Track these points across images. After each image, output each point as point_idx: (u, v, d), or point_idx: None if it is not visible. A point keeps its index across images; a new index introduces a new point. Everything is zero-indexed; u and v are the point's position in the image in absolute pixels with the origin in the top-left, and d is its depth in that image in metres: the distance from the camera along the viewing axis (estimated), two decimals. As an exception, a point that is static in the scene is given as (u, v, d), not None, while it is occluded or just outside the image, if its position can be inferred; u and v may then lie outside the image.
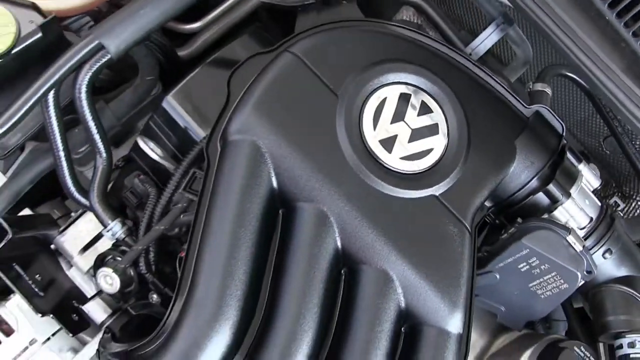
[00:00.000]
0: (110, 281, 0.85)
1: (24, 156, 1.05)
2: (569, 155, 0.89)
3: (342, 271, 0.78)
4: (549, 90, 0.96)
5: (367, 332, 0.76)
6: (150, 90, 1.03)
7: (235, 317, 0.73)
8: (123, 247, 0.85)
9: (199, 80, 0.92)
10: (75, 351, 0.97)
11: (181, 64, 1.06)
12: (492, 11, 0.99)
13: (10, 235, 0.89)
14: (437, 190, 0.78)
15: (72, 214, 1.03)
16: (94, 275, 0.87)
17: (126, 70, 1.06)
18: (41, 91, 0.83)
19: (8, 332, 0.96)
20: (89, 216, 0.98)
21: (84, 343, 0.98)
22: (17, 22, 0.81)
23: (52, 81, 0.83)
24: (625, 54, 0.80)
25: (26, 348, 0.95)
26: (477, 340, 0.92)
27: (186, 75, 0.92)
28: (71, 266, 0.97)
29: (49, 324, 0.98)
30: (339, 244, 0.76)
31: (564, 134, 0.88)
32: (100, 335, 0.97)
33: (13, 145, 0.94)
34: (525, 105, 0.88)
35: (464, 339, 0.78)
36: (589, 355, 0.83)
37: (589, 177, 0.89)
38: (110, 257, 0.86)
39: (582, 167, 0.90)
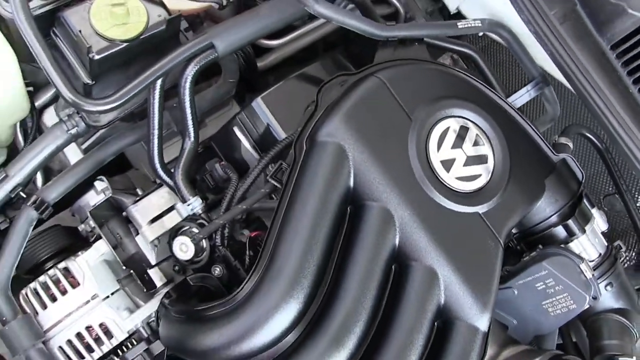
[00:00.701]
0: (185, 249, 0.99)
1: (99, 135, 1.20)
2: (584, 199, 1.08)
3: (393, 266, 0.95)
4: (571, 145, 1.16)
5: (410, 320, 0.91)
6: (230, 91, 1.19)
7: (307, 291, 0.88)
8: (200, 221, 0.99)
9: (285, 90, 1.09)
10: (130, 311, 1.09)
11: (256, 73, 1.24)
12: (534, 72, 1.20)
13: (110, 194, 1.03)
14: (481, 209, 0.96)
15: (138, 190, 1.17)
16: (169, 242, 1.00)
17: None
18: (155, 75, 0.98)
19: (74, 284, 1.08)
20: (161, 192, 1.12)
21: (137, 306, 1.11)
22: (148, 14, 0.97)
23: (165, 69, 0.99)
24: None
25: (87, 302, 1.07)
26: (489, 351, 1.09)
27: (273, 85, 1.09)
28: (138, 234, 1.11)
29: (111, 283, 1.10)
30: (397, 240, 0.92)
31: (584, 181, 1.07)
32: (154, 300, 1.10)
33: (106, 122, 1.09)
34: (555, 153, 1.08)
35: (486, 339, 0.94)
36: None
37: (599, 220, 1.08)
38: (186, 228, 1.00)
39: (594, 211, 1.09)
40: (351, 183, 0.93)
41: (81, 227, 1.16)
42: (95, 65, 0.95)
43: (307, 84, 1.12)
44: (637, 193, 1.39)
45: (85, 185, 1.15)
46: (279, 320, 0.87)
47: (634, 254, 1.44)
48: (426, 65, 1.05)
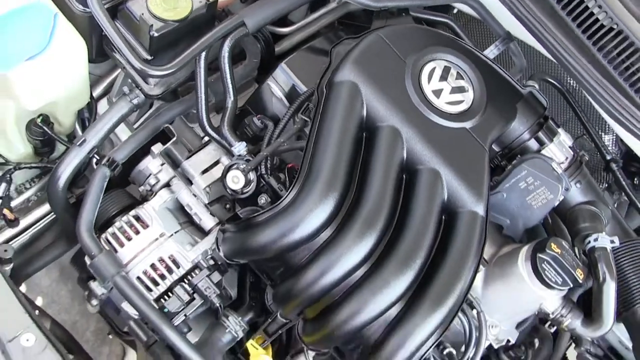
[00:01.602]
0: (236, 180, 1.26)
1: (152, 110, 1.49)
2: (550, 121, 1.38)
3: (404, 176, 1.23)
4: (536, 85, 1.46)
5: (422, 213, 1.19)
6: (254, 69, 1.49)
7: (339, 192, 1.15)
8: (247, 158, 1.27)
9: (302, 56, 1.41)
10: (192, 245, 1.35)
11: (274, 56, 1.54)
12: (500, 31, 1.52)
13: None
14: (467, 125, 1.26)
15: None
16: (223, 177, 1.27)
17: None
18: (201, 48, 1.28)
19: (144, 227, 1.34)
20: (208, 149, 1.41)
21: (197, 242, 1.37)
22: (192, 0, 1.28)
23: (209, 42, 1.29)
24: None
25: (156, 239, 1.34)
26: (487, 250, 1.36)
27: (291, 54, 1.40)
28: (191, 184, 1.38)
29: (174, 224, 1.37)
30: (404, 153, 1.21)
31: (547, 106, 1.37)
32: (211, 236, 1.37)
33: (156, 94, 1.38)
34: (522, 87, 1.38)
35: (486, 223, 1.21)
36: (568, 247, 1.27)
37: (564, 136, 1.38)
38: (236, 164, 1.27)
39: (560, 130, 1.39)
40: (364, 112, 1.22)
41: (141, 189, 1.44)
42: (154, 42, 1.26)
43: (319, 51, 1.43)
44: (601, 131, 1.69)
45: (142, 156, 1.44)
46: (318, 215, 1.14)
47: (605, 185, 1.73)
48: (414, 25, 1.37)
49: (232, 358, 1.47)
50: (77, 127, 1.52)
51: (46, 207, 1.54)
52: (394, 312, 1.17)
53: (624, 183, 1.50)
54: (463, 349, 1.30)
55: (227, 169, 1.27)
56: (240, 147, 1.29)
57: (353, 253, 1.14)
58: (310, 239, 1.16)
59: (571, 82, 1.61)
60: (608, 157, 1.52)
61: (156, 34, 1.24)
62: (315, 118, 1.22)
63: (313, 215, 1.15)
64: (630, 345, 1.46)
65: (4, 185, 1.32)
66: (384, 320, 1.17)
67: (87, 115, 1.52)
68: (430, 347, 1.17)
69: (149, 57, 1.28)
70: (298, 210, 1.15)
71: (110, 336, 1.97)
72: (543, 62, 1.70)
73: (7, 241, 1.44)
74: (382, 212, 1.17)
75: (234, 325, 1.39)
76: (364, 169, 1.21)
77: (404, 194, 1.23)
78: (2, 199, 1.31)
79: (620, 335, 1.59)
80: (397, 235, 1.18)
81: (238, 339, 1.42)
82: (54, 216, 1.54)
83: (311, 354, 1.46)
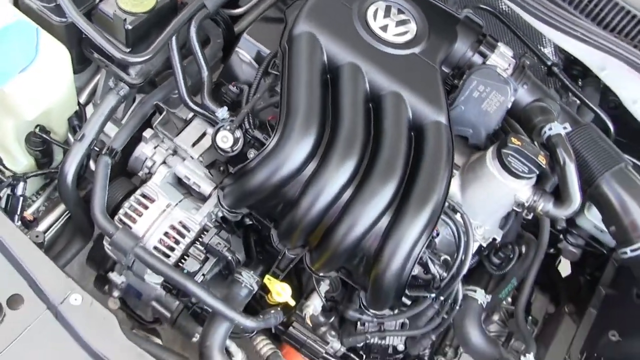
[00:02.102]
0: (226, 139, 1.42)
1: (137, 103, 1.66)
2: (489, 37, 1.57)
3: (370, 105, 1.41)
4: (471, 11, 1.65)
5: (393, 132, 1.37)
6: (219, 49, 1.67)
7: (316, 126, 1.32)
8: (231, 119, 1.44)
9: (259, 25, 1.59)
10: (197, 209, 1.52)
11: (234, 36, 1.72)
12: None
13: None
14: (415, 50, 1.44)
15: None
16: (213, 140, 1.42)
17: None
18: (171, 32, 1.46)
19: (151, 201, 1.50)
20: (194, 124, 1.57)
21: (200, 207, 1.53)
22: (155, -8, 1.46)
23: (176, 27, 1.46)
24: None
25: (164, 210, 1.50)
26: (458, 160, 1.53)
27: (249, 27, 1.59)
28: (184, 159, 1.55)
29: (177, 195, 1.53)
30: (367, 83, 1.39)
31: (483, 25, 1.57)
32: (212, 198, 1.53)
33: (139, 83, 1.55)
34: (458, 13, 1.58)
35: (450, 130, 1.39)
36: (526, 139, 1.45)
37: (504, 48, 1.57)
38: (222, 125, 1.44)
39: (499, 44, 1.58)
40: (325, 57, 1.40)
41: (140, 173, 1.60)
42: (130, 34, 1.43)
43: (273, 19, 1.60)
44: (539, 46, 1.89)
45: (134, 144, 1.60)
46: (301, 148, 1.31)
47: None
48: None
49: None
50: (70, 135, 1.68)
51: (55, 215, 1.70)
52: (385, 222, 1.35)
53: (567, 82, 1.70)
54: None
55: (216, 132, 1.43)
56: (222, 112, 1.46)
57: (338, 175, 1.31)
58: (298, 172, 1.33)
59: (503, 7, 1.80)
60: (549, 63, 1.72)
61: (130, 27, 1.42)
62: (283, 70, 1.39)
63: (297, 149, 1.32)
64: (603, 227, 1.64)
65: (22, 184, 1.47)
66: (379, 230, 1.34)
67: (77, 123, 1.67)
68: (423, 245, 1.34)
69: (127, 50, 1.45)
70: (283, 147, 1.32)
71: (134, 331, 2.11)
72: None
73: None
74: (357, 136, 1.35)
75: (248, 279, 1.55)
76: (334, 105, 1.39)
77: (374, 119, 1.41)
78: (23, 197, 1.46)
79: (593, 220, 1.78)
80: (375, 154, 1.36)
81: (254, 291, 1.58)
82: (63, 222, 1.70)
83: (323, 289, 1.63)
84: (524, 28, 1.78)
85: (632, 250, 1.46)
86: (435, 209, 1.34)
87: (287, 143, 1.32)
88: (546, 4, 1.60)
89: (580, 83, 1.84)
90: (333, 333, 1.73)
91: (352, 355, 1.77)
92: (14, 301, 1.16)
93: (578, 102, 1.79)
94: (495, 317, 1.87)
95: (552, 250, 1.87)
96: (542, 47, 1.85)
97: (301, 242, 1.42)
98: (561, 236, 1.90)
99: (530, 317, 1.92)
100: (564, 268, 2.20)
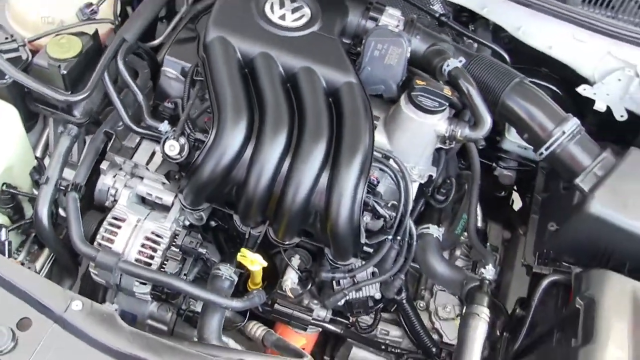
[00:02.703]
0: (173, 148, 1.62)
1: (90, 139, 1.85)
2: (376, 4, 1.82)
3: (288, 84, 1.63)
4: None
5: (313, 100, 1.59)
6: (148, 78, 1.88)
7: (245, 114, 1.53)
8: (173, 129, 1.64)
9: (177, 44, 1.81)
10: (164, 218, 1.70)
11: (158, 64, 1.93)
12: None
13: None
14: (314, 29, 1.68)
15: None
16: (162, 151, 1.62)
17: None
18: (101, 70, 1.67)
19: (123, 221, 1.69)
20: (143, 145, 1.77)
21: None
22: (80, 38, 1.67)
23: (105, 63, 1.68)
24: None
25: (136, 225, 1.68)
26: (380, 115, 1.76)
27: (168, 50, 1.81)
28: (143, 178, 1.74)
29: (143, 209, 1.72)
30: (279, 67, 1.62)
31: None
32: (176, 205, 1.72)
33: (86, 121, 1.75)
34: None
35: (362, 87, 1.62)
36: (429, 78, 1.69)
37: (391, 10, 1.81)
38: (166, 138, 1.64)
39: (387, 7, 1.82)
40: (238, 55, 1.63)
41: (107, 203, 1.78)
42: (66, 78, 1.63)
43: (186, 38, 1.83)
44: (429, 4, 2.14)
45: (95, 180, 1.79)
46: (237, 135, 1.51)
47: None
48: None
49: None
50: (34, 189, 1.86)
51: (39, 264, 1.87)
52: (325, 178, 1.55)
53: (457, 27, 1.95)
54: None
55: (163, 143, 1.63)
56: (164, 126, 1.65)
57: (273, 148, 1.52)
58: (239, 155, 1.53)
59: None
60: (437, 15, 1.97)
61: (65, 71, 1.62)
62: (206, 75, 1.61)
63: (233, 136, 1.52)
64: (525, 144, 1.87)
65: (3, 230, 1.64)
66: (322, 187, 1.55)
67: (37, 177, 1.85)
68: (363, 189, 1.54)
69: (68, 93, 1.66)
70: (221, 138, 1.52)
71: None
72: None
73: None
74: (282, 112, 1.56)
75: (227, 271, 1.73)
76: (257, 92, 1.60)
77: (295, 95, 1.63)
78: (8, 242, 1.63)
79: (515, 140, 2.02)
80: (301, 123, 1.57)
81: (235, 282, 1.76)
82: (48, 269, 1.87)
83: (295, 263, 1.82)
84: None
85: (546, 149, 1.69)
86: (365, 155, 1.55)
87: (223, 133, 1.53)
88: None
89: (472, 27, 2.09)
90: (315, 301, 1.92)
91: (339, 318, 1.97)
92: (23, 324, 1.33)
93: (475, 44, 2.05)
94: (458, 252, 2.08)
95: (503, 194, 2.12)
96: (431, 5, 2.11)
97: (260, 217, 1.62)
98: (494, 164, 2.14)
99: (489, 245, 2.14)
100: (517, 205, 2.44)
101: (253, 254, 1.59)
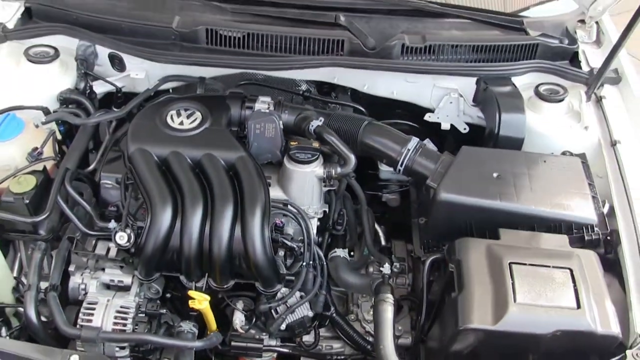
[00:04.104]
0: (122, 238, 2.16)
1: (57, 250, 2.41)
2: (249, 97, 2.49)
3: (197, 170, 2.25)
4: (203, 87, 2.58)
5: (218, 177, 2.18)
6: (91, 195, 2.46)
7: (169, 200, 2.12)
8: (119, 225, 2.21)
9: (107, 166, 2.42)
10: (128, 294, 2.25)
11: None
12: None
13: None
14: (206, 125, 2.31)
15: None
16: (114, 240, 2.20)
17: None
18: (54, 196, 2.25)
19: (95, 303, 2.22)
20: (99, 245, 2.34)
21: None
22: (34, 175, 2.26)
23: (55, 191, 2.26)
24: None
25: (106, 305, 2.21)
26: (273, 175, 2.38)
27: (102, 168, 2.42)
28: (104, 270, 2.30)
29: (109, 293, 2.26)
30: (188, 158, 2.23)
31: (244, 92, 2.48)
32: (135, 283, 2.27)
33: (50, 236, 2.31)
34: (225, 94, 2.49)
35: (251, 158, 2.24)
36: (302, 138, 2.33)
37: (262, 98, 2.48)
38: (116, 231, 2.20)
39: (259, 97, 2.48)
40: (155, 158, 2.24)
41: (80, 297, 2.31)
42: (29, 206, 2.20)
43: (115, 157, 2.45)
44: (296, 86, 2.83)
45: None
46: (166, 216, 2.09)
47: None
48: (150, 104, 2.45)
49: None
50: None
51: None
52: (239, 230, 2.13)
53: (319, 97, 2.64)
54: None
55: (114, 235, 2.19)
56: (112, 224, 2.22)
57: (195, 217, 2.10)
58: (171, 229, 2.11)
59: (259, 75, 2.75)
60: (301, 92, 2.66)
61: (27, 201, 2.20)
62: (135, 178, 2.21)
63: (163, 217, 2.10)
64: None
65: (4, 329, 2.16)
66: (238, 236, 2.12)
67: (17, 294, 2.37)
68: (268, 230, 2.13)
69: (33, 216, 2.23)
70: (155, 220, 2.10)
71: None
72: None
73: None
74: (196, 190, 2.15)
75: (187, 325, 2.28)
76: (175, 182, 2.20)
77: (203, 177, 2.23)
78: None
79: (388, 169, 2.67)
80: (212, 194, 2.17)
81: (196, 333, 2.30)
82: None
83: (240, 306, 2.37)
84: (279, 81, 2.72)
85: (400, 165, 2.33)
86: (264, 205, 2.15)
87: (156, 217, 2.11)
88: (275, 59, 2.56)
89: (334, 95, 2.79)
90: (263, 334, 2.46)
91: (286, 343, 2.51)
92: (33, 386, 1.84)
93: (339, 106, 2.72)
94: (371, 269, 2.63)
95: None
96: (298, 87, 2.80)
97: (199, 271, 2.18)
98: (380, 193, 2.77)
99: (394, 257, 2.71)
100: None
101: (198, 293, 2.14)
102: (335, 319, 2.48)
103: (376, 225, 2.62)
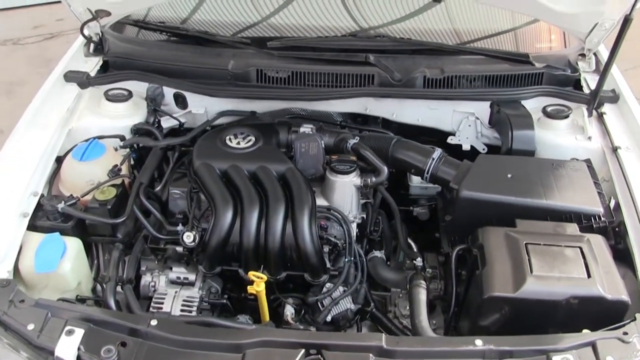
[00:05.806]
0: (189, 237, 2.52)
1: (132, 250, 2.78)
2: (294, 123, 2.90)
3: (252, 180, 2.63)
4: (283, 120, 3.00)
5: (271, 185, 2.56)
6: (159, 209, 2.86)
7: (230, 202, 2.50)
8: (187, 227, 2.58)
9: (173, 183, 2.83)
10: (193, 288, 2.58)
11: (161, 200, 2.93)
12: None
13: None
14: (259, 145, 2.73)
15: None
16: (180, 235, 2.56)
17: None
18: (131, 203, 2.64)
19: (165, 294, 2.55)
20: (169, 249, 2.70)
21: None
22: (114, 187, 2.67)
23: (133, 197, 2.66)
24: None
25: (174, 296, 2.55)
26: (317, 188, 2.75)
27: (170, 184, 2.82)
28: (171, 268, 2.65)
29: (176, 287, 2.60)
30: (245, 170, 2.62)
31: (289, 121, 2.90)
32: (199, 279, 2.61)
33: (126, 240, 2.69)
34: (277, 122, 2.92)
35: (298, 170, 2.63)
36: (342, 154, 2.71)
37: (306, 124, 2.89)
38: (184, 232, 2.56)
39: (303, 123, 2.90)
40: (217, 170, 2.63)
41: (150, 294, 2.66)
42: (111, 211, 2.58)
43: (178, 175, 2.86)
44: (334, 119, 3.25)
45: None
46: (228, 214, 2.46)
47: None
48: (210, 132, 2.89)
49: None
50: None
51: None
52: (290, 227, 2.48)
53: (355, 126, 3.06)
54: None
55: (182, 236, 2.56)
56: (180, 227, 2.60)
57: (252, 216, 2.47)
58: (232, 227, 2.47)
59: (300, 111, 3.19)
60: (338, 122, 3.08)
61: (109, 207, 2.59)
62: (200, 187, 2.61)
63: (225, 217, 2.47)
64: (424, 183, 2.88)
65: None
66: (290, 233, 2.48)
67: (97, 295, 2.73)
68: (316, 228, 2.48)
69: (114, 219, 2.61)
70: (218, 219, 2.48)
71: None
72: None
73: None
74: (253, 195, 2.53)
75: (243, 318, 2.60)
76: (235, 189, 2.58)
77: (258, 185, 2.61)
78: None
79: (417, 184, 3.03)
80: (266, 198, 2.54)
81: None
82: None
83: (290, 301, 2.68)
84: (318, 115, 3.15)
85: (427, 173, 2.69)
86: (311, 206, 2.52)
87: (219, 215, 2.49)
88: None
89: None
90: (311, 327, 2.75)
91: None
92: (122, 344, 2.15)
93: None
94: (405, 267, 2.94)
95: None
96: (335, 118, 3.22)
97: (255, 263, 2.52)
98: (411, 207, 3.11)
99: (427, 265, 3.00)
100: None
101: (256, 273, 2.44)
102: (376, 314, 2.77)
103: (409, 240, 2.94)
